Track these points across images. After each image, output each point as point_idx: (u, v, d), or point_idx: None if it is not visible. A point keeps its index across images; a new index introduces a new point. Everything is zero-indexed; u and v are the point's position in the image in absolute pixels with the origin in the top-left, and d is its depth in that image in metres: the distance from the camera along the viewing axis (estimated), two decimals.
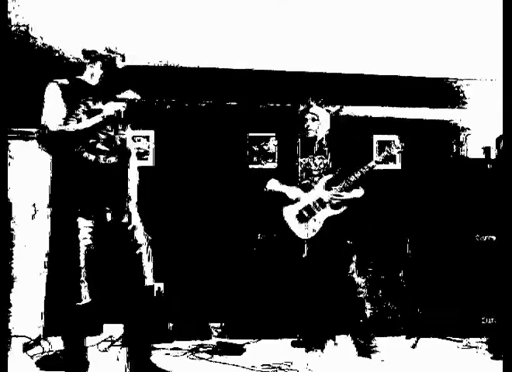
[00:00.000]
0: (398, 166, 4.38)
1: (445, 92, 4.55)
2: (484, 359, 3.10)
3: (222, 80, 4.27)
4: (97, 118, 2.35)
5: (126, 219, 2.47)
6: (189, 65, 4.19)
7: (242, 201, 4.07)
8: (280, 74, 4.36)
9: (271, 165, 4.28)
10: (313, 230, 3.05)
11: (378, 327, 3.81)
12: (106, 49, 2.48)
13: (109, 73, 2.50)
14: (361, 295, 3.00)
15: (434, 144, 4.45)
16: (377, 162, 3.09)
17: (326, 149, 3.19)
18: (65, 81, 2.42)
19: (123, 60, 2.53)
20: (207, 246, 4.01)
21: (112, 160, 2.41)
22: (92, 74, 2.50)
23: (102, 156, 2.37)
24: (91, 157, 2.35)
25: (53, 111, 2.34)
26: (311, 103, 3.22)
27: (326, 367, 2.84)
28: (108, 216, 2.39)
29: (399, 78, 4.48)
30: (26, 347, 3.14)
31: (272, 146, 4.30)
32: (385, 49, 4.06)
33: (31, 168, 3.27)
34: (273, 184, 3.23)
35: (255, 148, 4.29)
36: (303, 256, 3.04)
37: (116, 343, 3.34)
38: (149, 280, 2.44)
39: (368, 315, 3.04)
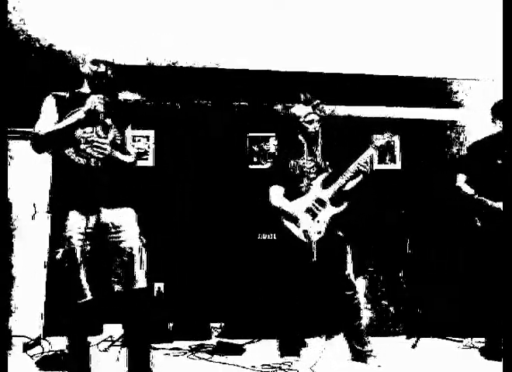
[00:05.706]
0: (398, 166, 4.38)
1: (444, 92, 4.55)
2: (484, 359, 3.10)
3: (222, 80, 4.27)
4: (73, 118, 2.37)
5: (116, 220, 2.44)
6: (189, 65, 4.20)
7: (242, 201, 4.07)
8: (280, 74, 4.36)
9: None
10: (318, 232, 2.91)
11: (378, 327, 3.81)
12: (93, 60, 2.46)
13: (99, 79, 2.47)
14: (357, 300, 2.90)
15: (434, 144, 4.45)
16: (376, 146, 2.97)
17: (319, 149, 3.11)
18: (63, 94, 2.48)
19: (111, 68, 2.49)
20: (207, 246, 4.00)
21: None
22: (84, 82, 2.51)
23: (92, 160, 2.40)
24: (82, 161, 2.39)
25: (46, 120, 2.40)
26: (316, 102, 3.08)
27: (326, 367, 2.84)
28: (102, 217, 2.40)
29: (398, 78, 4.48)
30: (26, 347, 3.15)
31: (272, 146, 4.30)
32: (384, 49, 4.07)
33: (31, 168, 3.27)
34: (276, 195, 3.04)
35: (255, 148, 4.29)
36: (313, 259, 2.87)
37: (116, 343, 3.34)
38: (140, 283, 2.41)
39: (365, 319, 2.95)
